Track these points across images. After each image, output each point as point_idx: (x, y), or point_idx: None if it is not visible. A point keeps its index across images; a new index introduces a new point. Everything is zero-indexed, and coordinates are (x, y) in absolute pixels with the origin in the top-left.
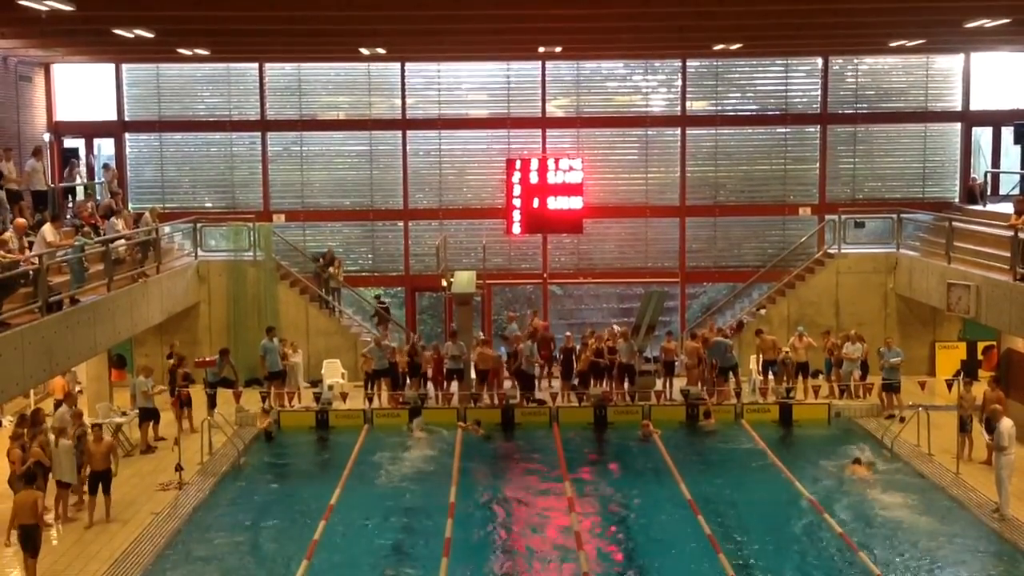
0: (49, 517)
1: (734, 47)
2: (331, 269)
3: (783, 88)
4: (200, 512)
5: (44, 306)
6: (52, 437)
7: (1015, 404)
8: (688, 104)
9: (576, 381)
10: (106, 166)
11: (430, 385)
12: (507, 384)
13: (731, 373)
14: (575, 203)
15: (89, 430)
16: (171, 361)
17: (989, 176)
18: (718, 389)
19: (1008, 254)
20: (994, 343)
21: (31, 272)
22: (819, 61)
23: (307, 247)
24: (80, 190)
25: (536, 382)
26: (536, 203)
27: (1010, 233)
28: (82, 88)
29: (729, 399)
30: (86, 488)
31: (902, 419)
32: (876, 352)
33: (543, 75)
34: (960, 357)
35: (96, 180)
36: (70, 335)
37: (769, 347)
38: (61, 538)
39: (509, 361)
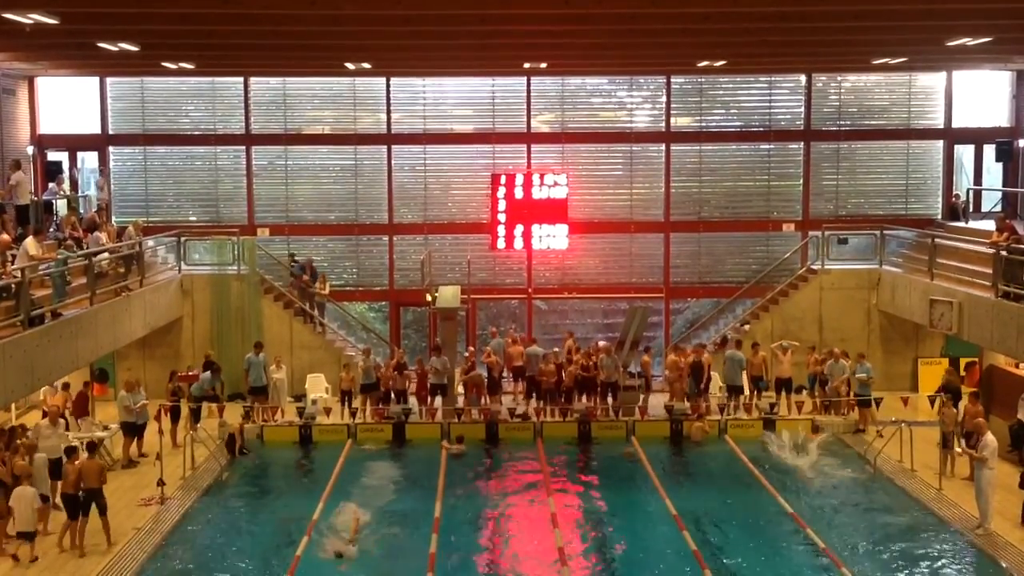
0: None
1: (718, 64)
2: (317, 284)
3: (767, 105)
4: (182, 527)
5: (26, 320)
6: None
7: (997, 420)
8: (672, 120)
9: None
10: (101, 170)
11: (414, 400)
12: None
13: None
14: (560, 217)
15: (81, 446)
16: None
17: (971, 193)
18: (702, 403)
19: (990, 271)
20: (976, 359)
21: (13, 286)
22: (802, 78)
23: (291, 261)
24: (63, 203)
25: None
26: (520, 216)
27: (992, 250)
28: (66, 101)
29: (713, 414)
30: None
31: (880, 434)
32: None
33: (528, 91)
34: (942, 373)
35: (80, 193)
36: (52, 349)
37: (759, 363)
38: (43, 553)
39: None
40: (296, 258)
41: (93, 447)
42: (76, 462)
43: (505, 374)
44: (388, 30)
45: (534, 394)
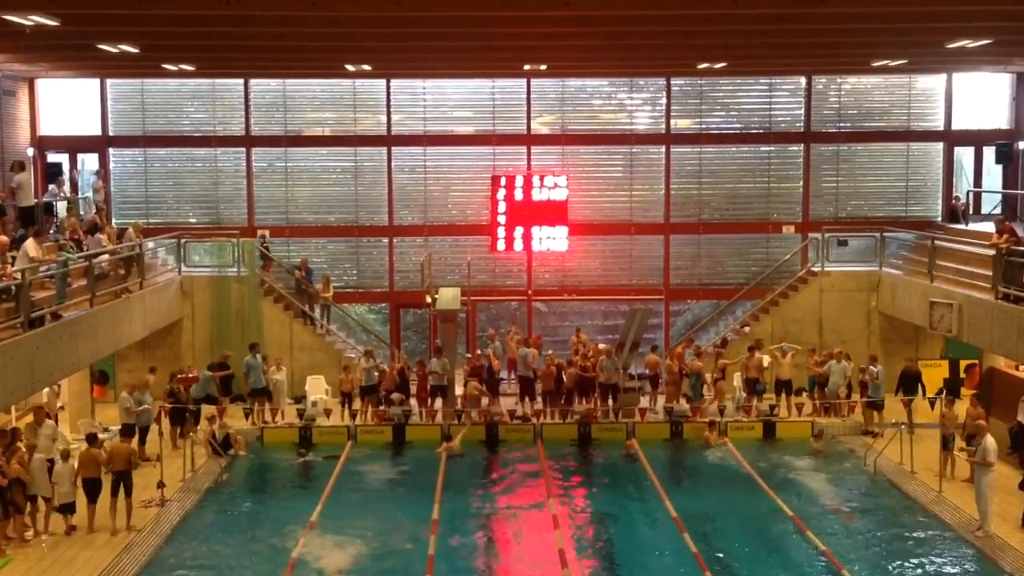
0: (28, 534)
1: (718, 66)
2: (319, 287)
3: (767, 107)
4: (182, 529)
5: (26, 321)
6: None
7: (997, 422)
8: (672, 122)
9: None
10: (99, 172)
11: (414, 402)
12: (484, 401)
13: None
14: (559, 219)
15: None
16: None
17: (971, 195)
18: (699, 406)
19: (990, 273)
20: (976, 361)
21: (13, 287)
22: (802, 80)
23: (291, 263)
24: (63, 205)
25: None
26: (520, 218)
27: (992, 252)
28: (66, 103)
29: (713, 416)
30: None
31: (878, 434)
32: (857, 369)
33: (528, 92)
34: (942, 375)
35: (80, 195)
36: (52, 351)
37: (756, 366)
38: (43, 554)
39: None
40: (267, 243)
41: (125, 431)
42: (100, 447)
43: (509, 375)
44: (388, 32)
45: (526, 396)
